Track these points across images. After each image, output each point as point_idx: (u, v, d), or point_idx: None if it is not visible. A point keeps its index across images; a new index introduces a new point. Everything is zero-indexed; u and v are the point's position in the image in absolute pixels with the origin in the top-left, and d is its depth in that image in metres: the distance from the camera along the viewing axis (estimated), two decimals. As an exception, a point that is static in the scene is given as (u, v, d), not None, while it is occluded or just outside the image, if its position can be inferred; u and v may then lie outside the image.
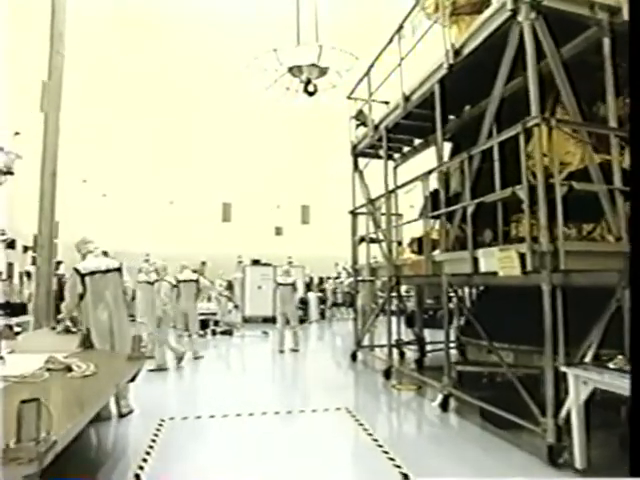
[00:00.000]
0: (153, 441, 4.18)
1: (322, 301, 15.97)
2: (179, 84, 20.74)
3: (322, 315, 15.53)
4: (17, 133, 13.04)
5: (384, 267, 6.90)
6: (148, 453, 3.89)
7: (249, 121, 21.63)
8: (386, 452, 3.94)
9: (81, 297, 4.75)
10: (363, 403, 5.64)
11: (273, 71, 17.20)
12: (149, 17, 19.76)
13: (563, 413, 3.56)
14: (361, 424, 4.65)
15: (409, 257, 6.32)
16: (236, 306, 15.42)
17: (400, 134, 7.47)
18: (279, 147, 21.72)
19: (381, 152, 7.55)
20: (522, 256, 3.96)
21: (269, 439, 4.36)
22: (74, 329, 4.78)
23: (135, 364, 3.95)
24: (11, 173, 11.72)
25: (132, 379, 4.03)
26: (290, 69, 15.95)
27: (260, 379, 6.77)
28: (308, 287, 17.02)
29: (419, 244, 7.29)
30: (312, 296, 14.97)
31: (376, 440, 4.21)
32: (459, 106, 6.70)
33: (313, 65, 15.56)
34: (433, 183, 5.96)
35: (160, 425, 4.60)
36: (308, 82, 15.25)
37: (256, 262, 15.97)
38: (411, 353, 8.15)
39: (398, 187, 6.45)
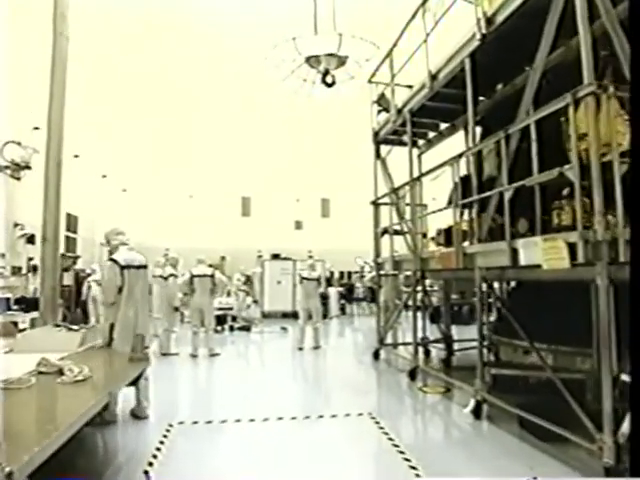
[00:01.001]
0: (158, 449, 3.81)
1: (342, 296, 15.52)
2: (198, 78, 20.49)
3: (342, 310, 15.09)
4: (36, 128, 12.92)
5: (409, 260, 6.40)
6: (151, 464, 3.51)
7: (268, 114, 21.24)
8: (414, 467, 3.48)
9: (119, 290, 4.39)
10: (387, 408, 5.18)
11: (290, 62, 16.76)
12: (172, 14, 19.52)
13: (624, 429, 3.03)
14: (385, 432, 4.19)
15: (437, 249, 5.80)
16: (255, 301, 15.13)
17: (425, 118, 6.92)
18: (298, 140, 21.29)
19: (405, 138, 7.03)
20: (571, 247, 3.44)
21: (284, 448, 3.95)
22: (75, 327, 4.45)
23: (136, 366, 3.58)
24: (29, 167, 11.58)
25: (133, 382, 3.66)
26: (307, 59, 15.43)
27: (277, 379, 6.37)
28: (328, 282, 16.61)
29: (446, 235, 6.78)
30: (332, 291, 14.52)
31: (402, 452, 3.75)
32: (490, 85, 6.12)
33: (331, 55, 15.03)
34: (462, 170, 5.45)
35: (167, 431, 4.23)
36: (326, 73, 14.77)
37: (276, 257, 15.59)
38: (437, 351, 7.64)
39: (424, 174, 5.93)
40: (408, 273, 9.18)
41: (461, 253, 4.90)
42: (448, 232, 6.77)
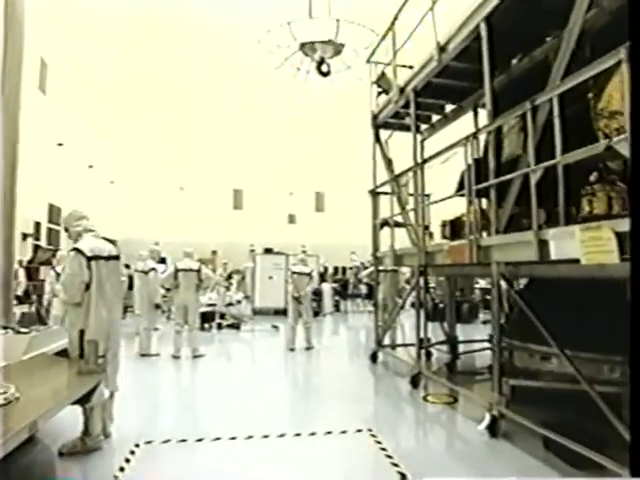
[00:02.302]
0: (115, 478, 3.13)
1: (336, 292, 14.86)
2: (191, 70, 19.70)
3: (337, 307, 14.43)
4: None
5: (412, 254, 5.72)
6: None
7: (263, 106, 20.50)
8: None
9: (87, 287, 3.57)
10: (389, 422, 4.50)
11: (285, 48, 15.93)
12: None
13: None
14: (389, 455, 3.53)
15: (445, 242, 5.12)
16: (247, 297, 14.45)
17: (431, 97, 6.22)
18: (293, 132, 20.58)
19: (407, 120, 6.35)
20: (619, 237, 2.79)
21: (268, 476, 3.28)
22: (25, 330, 3.73)
23: (86, 382, 2.87)
24: None
25: (82, 400, 2.96)
26: (302, 46, 14.63)
27: (265, 386, 5.67)
28: (322, 277, 15.96)
29: (452, 228, 6.14)
30: (326, 287, 13.84)
31: (410, 484, 3.09)
32: (504, 59, 5.42)
33: (327, 42, 14.25)
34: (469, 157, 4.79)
35: (132, 453, 3.54)
36: (322, 62, 14.02)
37: (268, 251, 14.88)
38: (438, 353, 6.98)
39: (432, 157, 5.23)
40: (407, 269, 8.56)
41: (475, 246, 4.22)
42: (455, 224, 6.13)
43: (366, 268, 14.51)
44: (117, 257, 3.87)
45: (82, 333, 3.38)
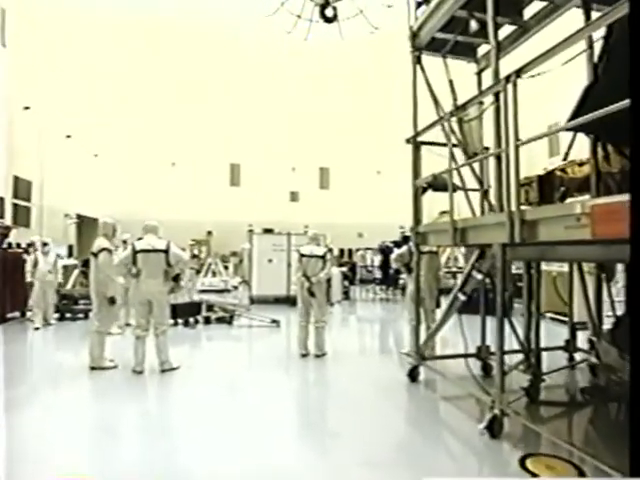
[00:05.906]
0: None
1: (345, 277, 12.72)
2: (188, 34, 17.27)
3: (346, 294, 12.31)
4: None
5: (490, 227, 3.52)
6: None
7: (262, 72, 18.08)
8: None
9: None
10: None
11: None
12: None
13: None
14: None
15: (583, 202, 2.88)
16: (244, 281, 12.39)
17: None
18: (295, 102, 18.17)
19: (472, 24, 4.10)
20: None
21: None
22: None
23: None
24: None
25: None
26: (300, -18, 12.16)
27: (255, 435, 3.53)
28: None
29: (541, 187, 3.97)
30: (335, 272, 11.64)
31: None
32: None
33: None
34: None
35: None
36: (326, 4, 11.70)
37: (268, 231, 12.71)
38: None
39: (534, 60, 2.96)
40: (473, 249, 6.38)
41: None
42: (545, 181, 3.96)
43: (382, 251, 12.49)
44: None
45: None
